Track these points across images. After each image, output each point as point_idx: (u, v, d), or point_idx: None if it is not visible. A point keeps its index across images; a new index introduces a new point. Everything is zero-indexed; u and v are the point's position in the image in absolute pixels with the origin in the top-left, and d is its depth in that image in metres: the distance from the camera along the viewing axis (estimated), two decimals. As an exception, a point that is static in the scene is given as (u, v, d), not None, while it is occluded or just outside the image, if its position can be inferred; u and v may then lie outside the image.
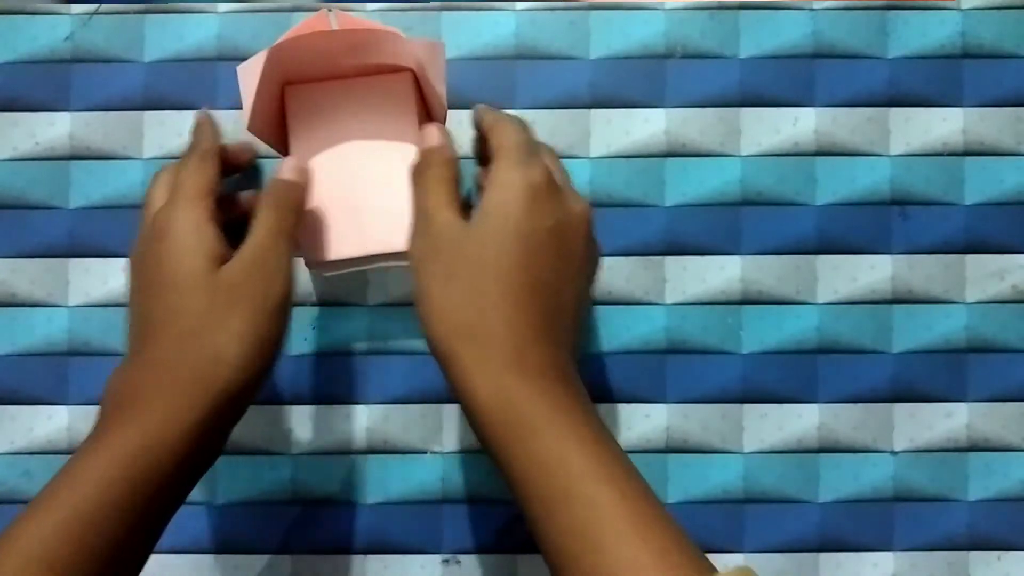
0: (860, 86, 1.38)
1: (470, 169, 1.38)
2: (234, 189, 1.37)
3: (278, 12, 1.39)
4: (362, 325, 1.36)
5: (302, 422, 1.36)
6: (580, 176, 1.37)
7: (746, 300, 1.36)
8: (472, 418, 1.00)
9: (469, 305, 1.01)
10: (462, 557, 1.35)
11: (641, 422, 1.35)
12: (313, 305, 1.37)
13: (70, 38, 1.39)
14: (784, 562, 1.35)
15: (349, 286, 1.37)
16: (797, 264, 1.36)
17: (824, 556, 1.35)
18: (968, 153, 1.37)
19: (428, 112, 1.32)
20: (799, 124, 1.38)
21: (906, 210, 1.37)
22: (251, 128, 1.19)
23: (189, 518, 1.36)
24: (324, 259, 1.27)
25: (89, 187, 1.38)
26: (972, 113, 1.38)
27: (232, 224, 1.20)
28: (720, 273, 1.36)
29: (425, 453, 1.36)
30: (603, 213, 1.37)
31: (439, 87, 1.23)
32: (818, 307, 1.36)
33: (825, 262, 1.37)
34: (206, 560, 1.35)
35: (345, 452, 1.36)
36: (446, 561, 1.35)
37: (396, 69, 1.29)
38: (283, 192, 1.16)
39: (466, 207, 1.37)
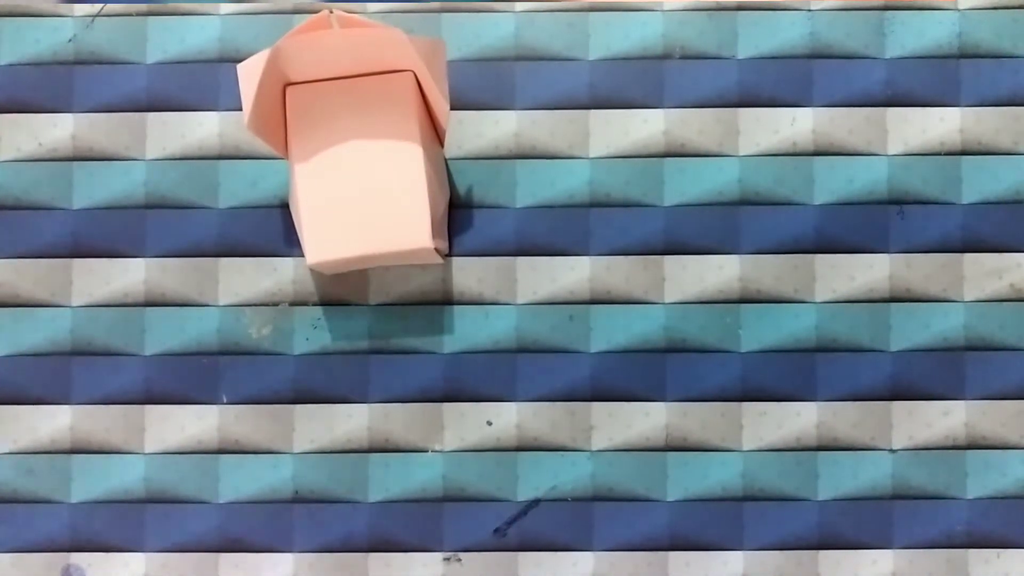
0: (858, 86, 1.39)
1: (470, 169, 1.39)
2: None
3: (280, 14, 1.40)
4: (363, 324, 1.37)
5: (303, 421, 1.37)
6: (580, 176, 1.38)
7: (745, 299, 1.37)
8: None
9: None
10: (463, 555, 1.36)
11: (641, 420, 1.36)
12: (314, 305, 1.37)
13: (73, 40, 1.39)
14: (783, 560, 1.35)
15: (350, 285, 1.38)
16: (795, 263, 1.37)
17: (823, 553, 1.35)
18: (965, 153, 1.38)
19: (429, 112, 1.33)
20: (797, 124, 1.38)
21: (904, 209, 1.38)
22: (251, 127, 1.20)
23: (191, 516, 1.36)
24: (326, 258, 1.28)
25: (92, 188, 1.38)
26: (969, 113, 1.38)
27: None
28: (719, 272, 1.37)
29: (426, 451, 1.36)
30: (602, 213, 1.38)
31: (441, 86, 1.24)
32: (816, 306, 1.37)
33: (823, 261, 1.37)
34: (208, 558, 1.36)
35: (346, 451, 1.36)
36: (447, 559, 1.36)
37: (397, 69, 1.30)
38: None
39: (467, 207, 1.38)
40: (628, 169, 1.38)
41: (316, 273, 1.37)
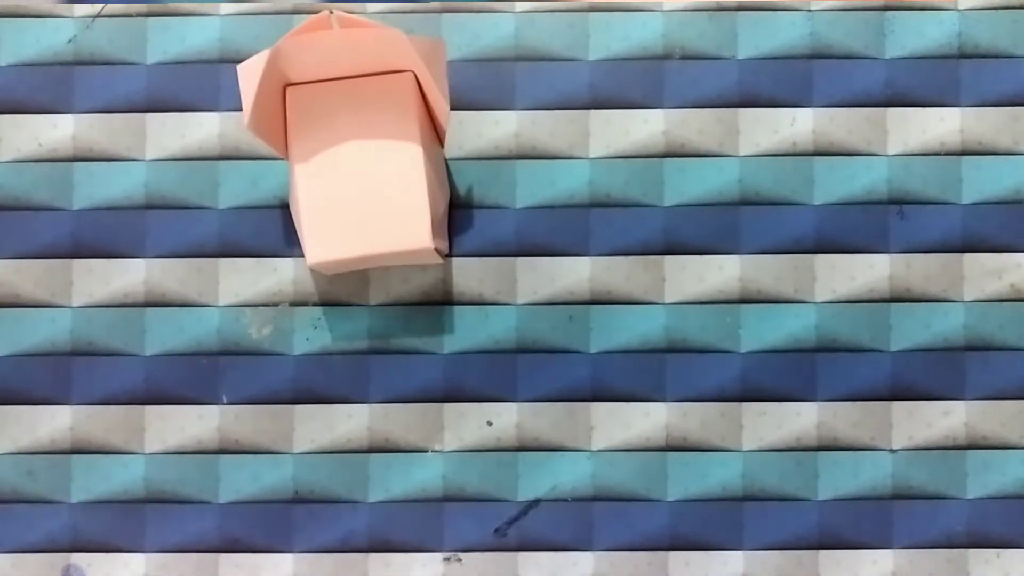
0: (858, 86, 1.39)
1: (470, 169, 1.39)
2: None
3: (279, 14, 1.40)
4: (363, 324, 1.37)
5: (303, 421, 1.37)
6: (580, 176, 1.38)
7: (745, 299, 1.37)
8: None
9: None
10: (463, 555, 1.36)
11: (641, 420, 1.36)
12: (314, 305, 1.37)
13: (73, 40, 1.40)
14: (783, 560, 1.35)
15: (350, 285, 1.38)
16: (795, 263, 1.37)
17: (823, 553, 1.35)
18: (965, 153, 1.38)
19: (429, 112, 1.33)
20: (797, 124, 1.38)
21: (904, 209, 1.38)
22: (251, 127, 1.20)
23: (191, 517, 1.36)
24: (326, 258, 1.28)
25: (92, 188, 1.38)
26: (969, 113, 1.38)
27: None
28: (719, 272, 1.37)
29: (426, 451, 1.36)
30: (602, 213, 1.38)
31: (441, 86, 1.24)
32: (816, 306, 1.37)
33: (823, 261, 1.37)
34: (208, 558, 1.36)
35: (346, 451, 1.36)
36: (447, 559, 1.36)
37: (397, 69, 1.30)
38: None
39: (467, 207, 1.38)
40: (628, 169, 1.38)
41: (316, 273, 1.38)
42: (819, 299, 1.37)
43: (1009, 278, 1.37)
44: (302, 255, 1.38)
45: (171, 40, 1.39)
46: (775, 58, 1.39)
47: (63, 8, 1.40)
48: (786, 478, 1.36)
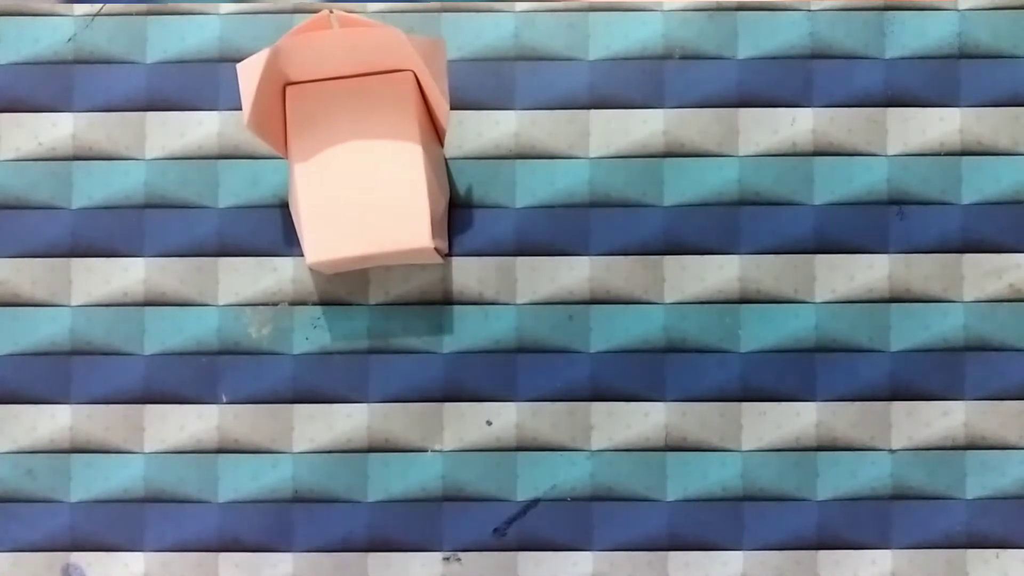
0: (858, 86, 1.39)
1: (470, 169, 1.39)
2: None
3: (279, 14, 1.40)
4: (363, 324, 1.37)
5: (303, 421, 1.37)
6: (579, 176, 1.38)
7: (744, 299, 1.37)
8: None
9: None
10: (462, 555, 1.36)
11: (640, 420, 1.36)
12: (314, 304, 1.37)
13: (73, 39, 1.39)
14: (783, 560, 1.35)
15: (350, 285, 1.38)
16: (795, 263, 1.37)
17: (823, 553, 1.35)
18: (965, 153, 1.38)
19: (429, 112, 1.33)
20: (797, 124, 1.38)
21: (904, 210, 1.38)
22: (251, 126, 1.20)
23: (191, 516, 1.36)
24: (326, 258, 1.28)
25: (91, 187, 1.38)
26: (969, 113, 1.38)
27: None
28: (718, 272, 1.37)
29: (426, 451, 1.37)
30: (602, 213, 1.38)
31: (441, 86, 1.24)
32: (816, 306, 1.37)
33: (823, 261, 1.37)
34: (207, 558, 1.36)
35: (346, 451, 1.36)
36: (447, 559, 1.36)
37: (397, 69, 1.30)
38: None
39: (467, 207, 1.38)
40: (628, 169, 1.38)
41: (316, 273, 1.38)
42: (819, 299, 1.37)
43: (1009, 278, 1.37)
44: (302, 255, 1.38)
45: (171, 39, 1.39)
46: (775, 58, 1.39)
47: (63, 7, 1.40)
48: (785, 478, 1.36)
